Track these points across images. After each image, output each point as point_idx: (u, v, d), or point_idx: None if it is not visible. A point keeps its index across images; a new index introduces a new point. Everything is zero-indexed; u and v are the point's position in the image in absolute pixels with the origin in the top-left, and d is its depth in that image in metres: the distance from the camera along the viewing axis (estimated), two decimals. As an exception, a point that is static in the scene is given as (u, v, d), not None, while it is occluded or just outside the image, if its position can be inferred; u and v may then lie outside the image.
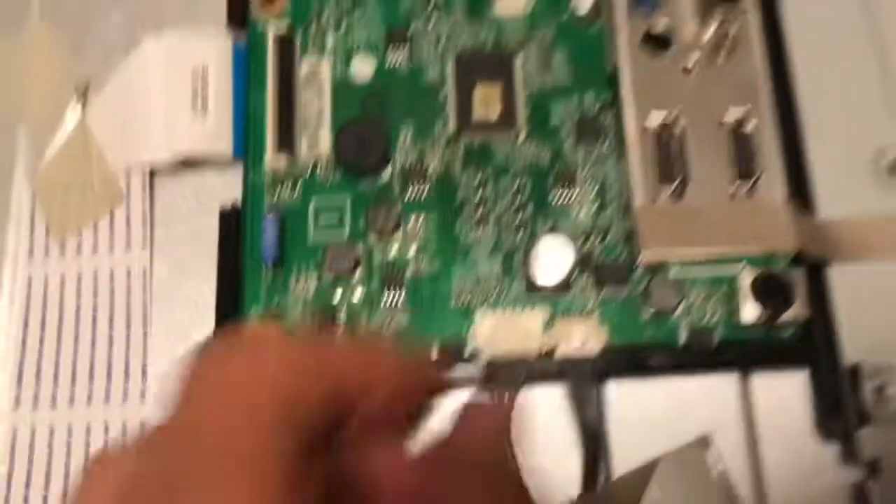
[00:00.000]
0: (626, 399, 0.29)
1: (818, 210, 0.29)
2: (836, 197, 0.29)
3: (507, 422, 0.24)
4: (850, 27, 0.30)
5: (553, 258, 0.28)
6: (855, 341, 0.28)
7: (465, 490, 0.19)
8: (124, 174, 0.31)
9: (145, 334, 0.30)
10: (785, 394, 0.29)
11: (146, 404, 0.29)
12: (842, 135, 0.30)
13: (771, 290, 0.27)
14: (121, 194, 0.31)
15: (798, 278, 0.27)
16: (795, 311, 0.27)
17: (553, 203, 0.29)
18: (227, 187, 0.31)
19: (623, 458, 0.28)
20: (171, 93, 0.31)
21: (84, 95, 0.32)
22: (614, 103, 0.30)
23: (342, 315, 0.28)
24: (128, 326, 0.30)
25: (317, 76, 0.31)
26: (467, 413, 0.23)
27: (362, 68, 0.31)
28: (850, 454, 0.27)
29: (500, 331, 0.28)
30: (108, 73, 0.32)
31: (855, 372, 0.27)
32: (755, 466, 0.28)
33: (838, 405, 0.28)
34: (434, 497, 0.18)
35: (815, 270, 0.28)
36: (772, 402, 0.29)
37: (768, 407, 0.29)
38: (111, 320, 0.30)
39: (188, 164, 0.31)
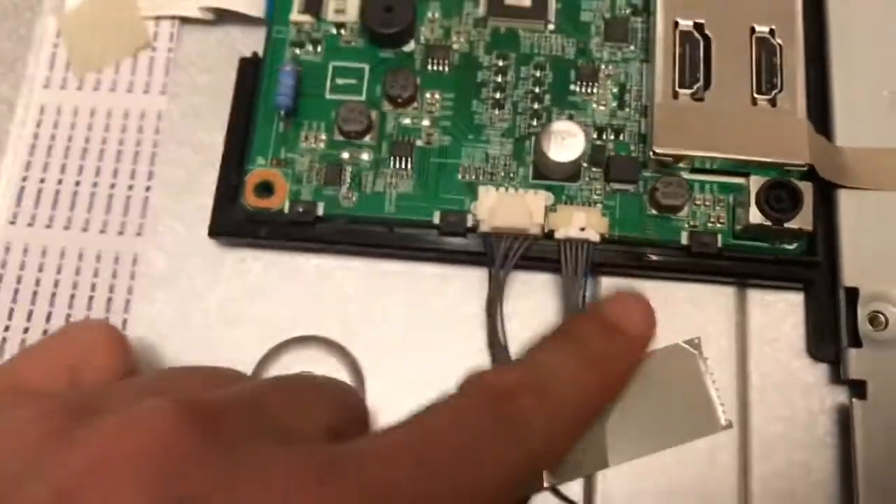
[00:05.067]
0: (618, 296, 0.29)
1: (835, 137, 0.29)
2: (853, 126, 0.29)
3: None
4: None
5: (565, 140, 0.28)
6: (854, 265, 0.28)
7: None
8: (153, 21, 0.32)
9: (150, 172, 0.30)
10: (780, 310, 0.29)
11: (141, 238, 0.29)
12: (867, 66, 0.30)
13: (780, 196, 0.27)
14: (147, 41, 0.31)
15: (808, 189, 0.27)
16: (801, 221, 0.27)
17: (572, 96, 0.29)
18: (254, 43, 0.31)
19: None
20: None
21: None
22: (647, 8, 0.30)
23: (348, 174, 0.28)
24: (134, 163, 0.30)
25: (354, -56, 0.31)
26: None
27: (400, -58, 0.31)
28: (838, 375, 0.27)
29: (502, 206, 0.27)
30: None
31: (852, 295, 0.27)
32: (742, 379, 0.28)
33: (832, 327, 0.28)
34: None
35: (825, 190, 0.28)
36: (766, 317, 0.29)
37: (762, 321, 0.29)
38: (119, 155, 0.30)
39: (218, 18, 0.32)
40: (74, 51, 0.31)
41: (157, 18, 0.32)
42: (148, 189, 0.30)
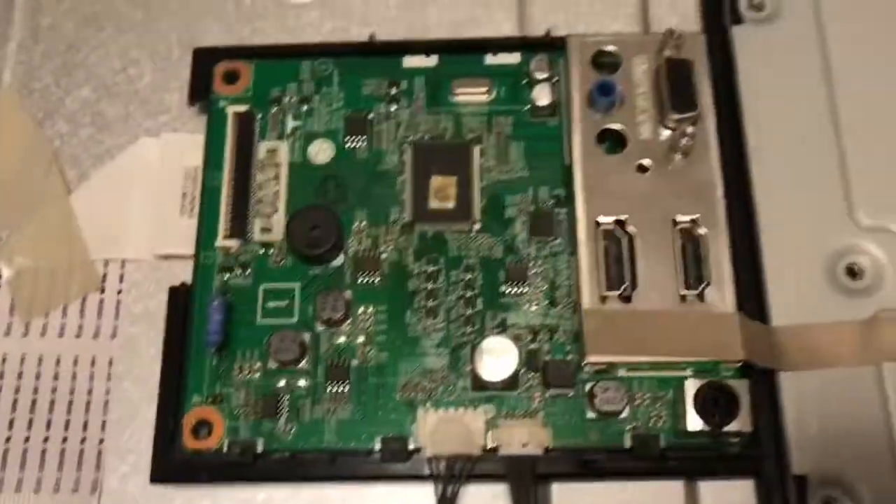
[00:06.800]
0: (569, 502, 0.28)
1: (770, 317, 0.29)
2: (788, 303, 0.29)
3: None
4: (809, 134, 0.30)
5: (498, 358, 0.28)
6: (802, 451, 0.27)
7: None
8: (102, 263, 0.32)
9: (103, 422, 0.30)
10: (732, 500, 0.28)
11: (96, 496, 0.29)
12: (796, 240, 0.29)
13: (716, 401, 0.27)
14: (97, 282, 0.31)
15: (743, 389, 0.27)
16: (740, 424, 0.27)
17: (504, 298, 0.29)
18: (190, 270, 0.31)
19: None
20: (161, 194, 0.32)
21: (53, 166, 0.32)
22: (569, 198, 0.30)
23: (285, 404, 0.28)
24: (86, 412, 0.30)
25: (274, 158, 0.31)
26: None
27: (321, 152, 0.31)
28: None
29: (442, 428, 0.27)
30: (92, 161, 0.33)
31: (801, 483, 0.27)
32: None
33: (786, 514, 0.27)
34: None
35: (764, 378, 0.28)
36: (719, 509, 0.28)
37: (715, 514, 0.28)
38: (70, 405, 0.30)
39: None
40: (19, 293, 0.31)
41: (107, 261, 0.32)
42: (101, 441, 0.29)
